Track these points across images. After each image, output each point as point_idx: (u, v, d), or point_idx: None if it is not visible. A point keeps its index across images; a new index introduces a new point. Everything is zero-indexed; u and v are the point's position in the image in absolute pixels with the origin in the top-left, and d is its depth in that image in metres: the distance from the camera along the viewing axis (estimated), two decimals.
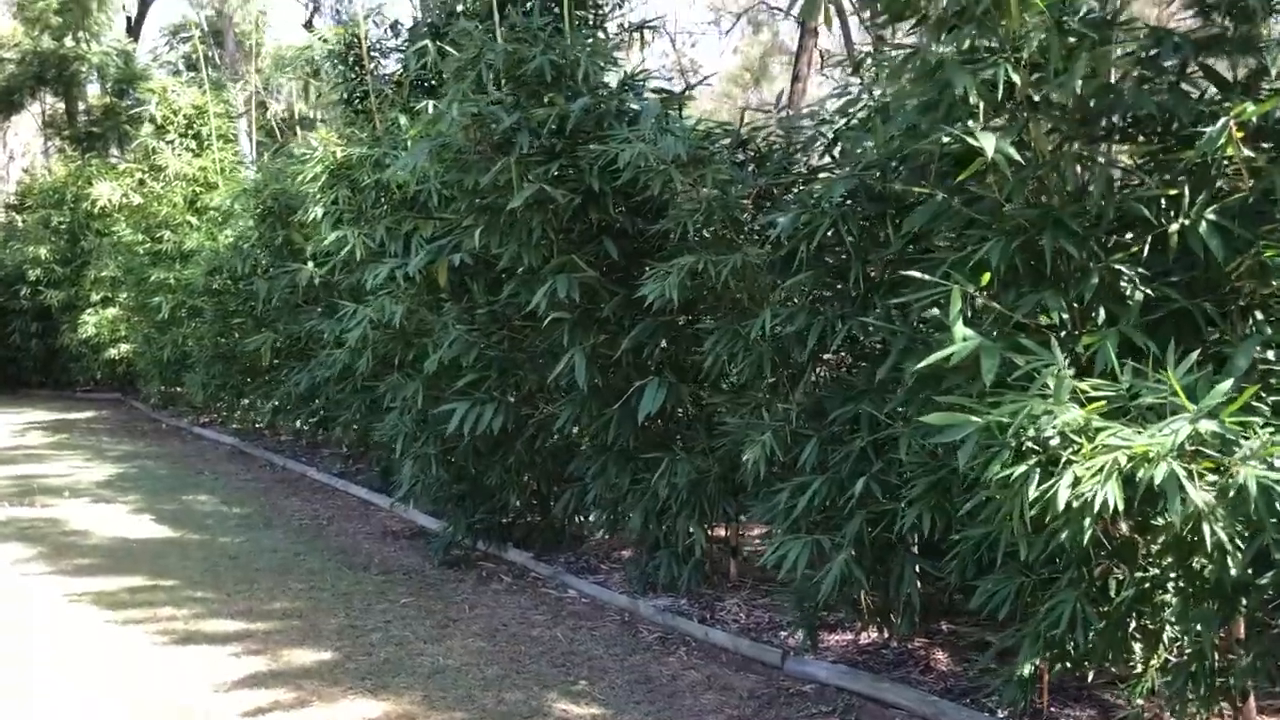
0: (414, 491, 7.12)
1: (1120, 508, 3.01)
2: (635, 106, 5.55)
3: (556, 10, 7.12)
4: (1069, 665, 3.96)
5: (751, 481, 5.16)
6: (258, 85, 16.00)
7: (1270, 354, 3.49)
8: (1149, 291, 3.66)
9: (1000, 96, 3.64)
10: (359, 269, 7.13)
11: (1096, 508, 3.01)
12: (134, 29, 23.80)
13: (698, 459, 5.56)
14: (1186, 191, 3.57)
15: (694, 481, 5.44)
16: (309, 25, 23.36)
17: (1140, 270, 3.68)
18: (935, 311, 4.22)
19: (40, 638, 5.54)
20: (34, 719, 4.50)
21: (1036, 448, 3.41)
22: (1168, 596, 3.64)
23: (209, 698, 4.66)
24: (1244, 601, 3.48)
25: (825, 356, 4.98)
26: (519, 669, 4.99)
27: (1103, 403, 3.25)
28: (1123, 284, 3.77)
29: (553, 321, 5.57)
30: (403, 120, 7.45)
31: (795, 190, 5.25)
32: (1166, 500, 2.94)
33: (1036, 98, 3.76)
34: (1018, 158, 3.52)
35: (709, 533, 5.91)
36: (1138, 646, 3.82)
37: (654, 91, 5.95)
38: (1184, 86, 3.82)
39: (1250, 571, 3.32)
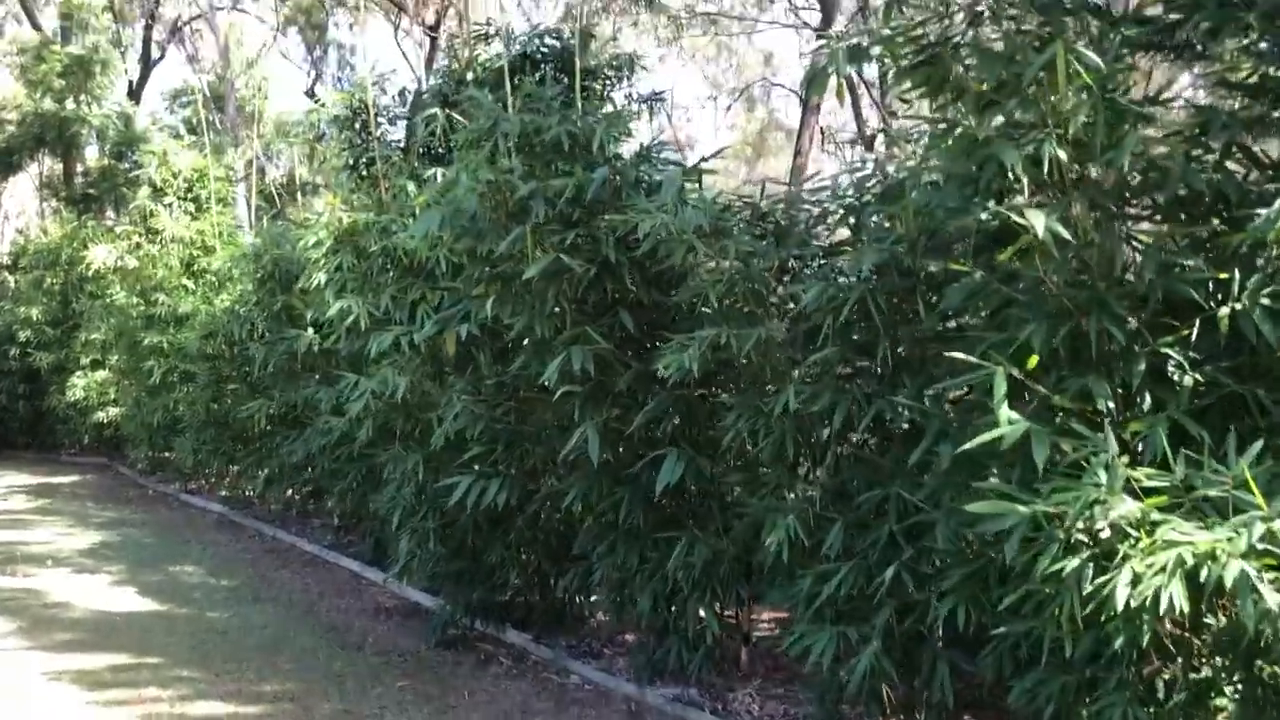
0: (410, 567, 6.87)
1: (1185, 610, 2.83)
2: (655, 177, 5.43)
3: (567, 81, 7.07)
4: None
5: (768, 565, 4.96)
6: (258, 151, 15.95)
7: None
8: (1198, 377, 3.52)
9: (1045, 173, 3.52)
10: (363, 337, 6.96)
11: (1162, 608, 2.82)
12: (135, 93, 23.88)
13: (711, 539, 5.35)
14: (1237, 274, 3.44)
15: (708, 563, 5.22)
16: (311, 93, 23.51)
17: (1190, 354, 3.54)
18: (960, 391, 4.11)
19: None
20: None
21: (1087, 540, 3.24)
22: (1224, 701, 3.44)
23: None
24: None
25: (848, 436, 4.81)
26: None
27: (1163, 497, 3.07)
28: (1170, 368, 3.63)
29: (564, 395, 5.39)
30: (410, 187, 7.33)
31: (817, 264, 5.14)
32: (1239, 601, 2.75)
33: (1079, 175, 3.65)
34: (1067, 236, 3.39)
35: (720, 617, 5.67)
36: None
37: (670, 163, 5.84)
38: (1229, 166, 3.73)
39: None
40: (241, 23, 23.55)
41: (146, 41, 24.38)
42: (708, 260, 4.83)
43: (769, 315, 4.98)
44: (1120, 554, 3.02)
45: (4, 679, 5.88)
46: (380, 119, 8.97)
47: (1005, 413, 3.39)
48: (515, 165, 5.48)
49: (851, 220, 5.13)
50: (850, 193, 5.07)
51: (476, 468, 5.96)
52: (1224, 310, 3.41)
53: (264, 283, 9.99)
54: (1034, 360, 3.45)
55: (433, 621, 7.04)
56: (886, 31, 5.78)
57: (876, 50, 5.48)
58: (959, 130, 3.77)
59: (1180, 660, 3.50)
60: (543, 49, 8.16)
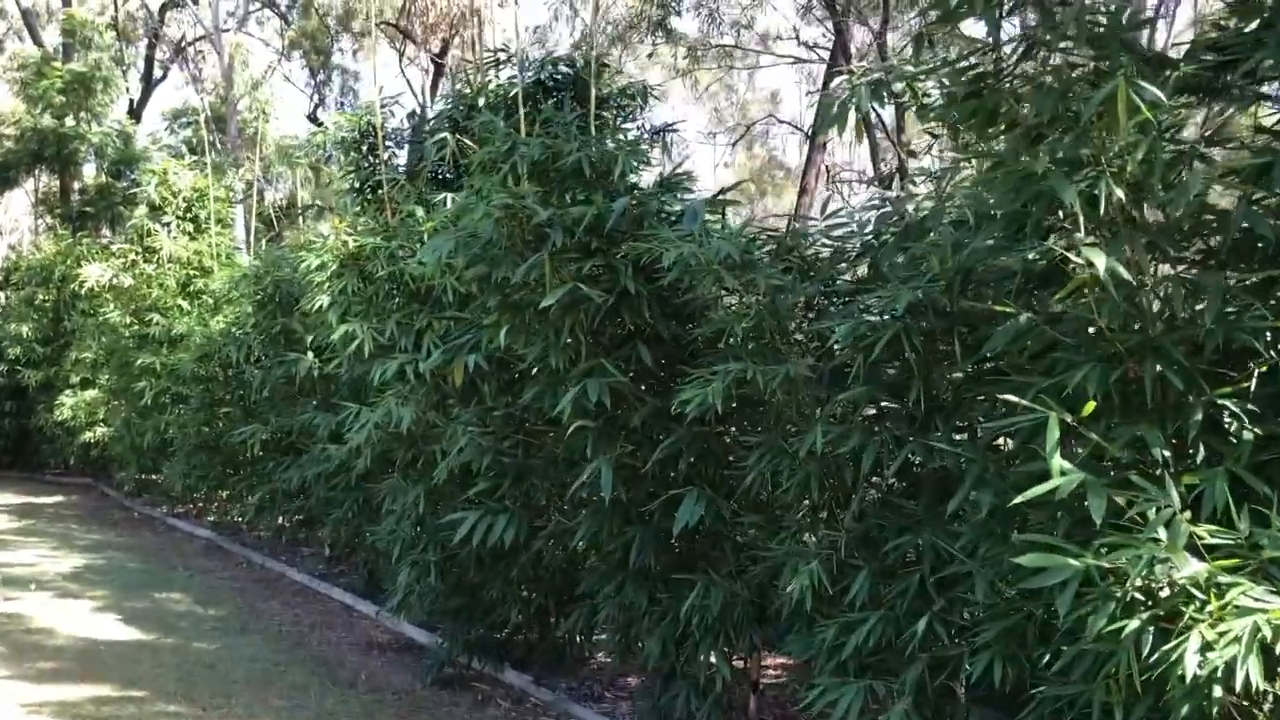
0: (409, 602, 6.64)
1: (1261, 686, 2.65)
2: (676, 208, 5.27)
3: (580, 108, 6.93)
4: None
5: (786, 612, 4.76)
6: (258, 173, 15.80)
7: None
8: (1258, 430, 3.35)
9: (1101, 212, 3.37)
10: (366, 363, 6.77)
11: (1237, 682, 2.64)
12: (135, 111, 23.76)
13: (725, 582, 5.15)
14: None
15: (723, 607, 5.02)
16: (313, 117, 23.41)
17: (1248, 406, 3.37)
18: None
19: None
20: None
21: (1144, 599, 3.06)
22: None
23: None
24: None
25: (874, 480, 4.63)
26: None
27: (1234, 559, 2.89)
28: (1225, 419, 3.46)
29: (577, 429, 5.20)
30: (419, 212, 7.17)
31: (844, 301, 4.97)
32: None
33: (1133, 215, 3.50)
34: (1128, 277, 3.23)
35: (730, 663, 5.46)
36: None
37: (689, 194, 5.69)
38: None
39: None
40: (247, 44, 23.48)
41: (149, 60, 24.31)
42: (735, 293, 4.66)
43: (794, 352, 4.82)
44: (1186, 618, 2.83)
45: None
46: (388, 143, 8.83)
47: (1058, 462, 3.21)
48: (529, 191, 5.32)
49: (868, 258, 5.01)
50: (869, 230, 4.95)
51: (483, 502, 5.76)
52: None
53: (264, 305, 9.79)
54: (1090, 406, 3.27)
55: (428, 659, 6.81)
56: (910, 68, 5.68)
57: (899, 86, 5.40)
58: (1007, 165, 3.60)
59: None
60: (555, 76, 8.05)
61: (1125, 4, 3.63)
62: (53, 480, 18.64)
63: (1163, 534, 3.02)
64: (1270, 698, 3.17)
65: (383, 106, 8.64)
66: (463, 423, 6.07)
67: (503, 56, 8.73)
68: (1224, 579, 2.87)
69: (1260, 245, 3.61)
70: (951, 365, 4.22)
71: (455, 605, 6.68)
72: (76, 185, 22.46)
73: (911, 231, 4.83)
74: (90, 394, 15.80)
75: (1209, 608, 2.82)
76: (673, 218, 5.27)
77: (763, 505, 5.44)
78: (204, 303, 13.03)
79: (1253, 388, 3.40)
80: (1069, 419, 3.33)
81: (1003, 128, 3.68)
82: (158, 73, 24.92)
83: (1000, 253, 3.86)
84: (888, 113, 10.54)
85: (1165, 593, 3.01)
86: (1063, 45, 3.57)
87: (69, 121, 20.35)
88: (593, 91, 6.63)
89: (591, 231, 5.16)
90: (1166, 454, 3.37)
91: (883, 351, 4.13)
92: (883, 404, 4.52)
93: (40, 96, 19.82)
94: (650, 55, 14.58)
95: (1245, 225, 3.40)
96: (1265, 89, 3.66)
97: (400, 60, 20.74)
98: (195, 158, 15.68)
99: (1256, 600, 2.77)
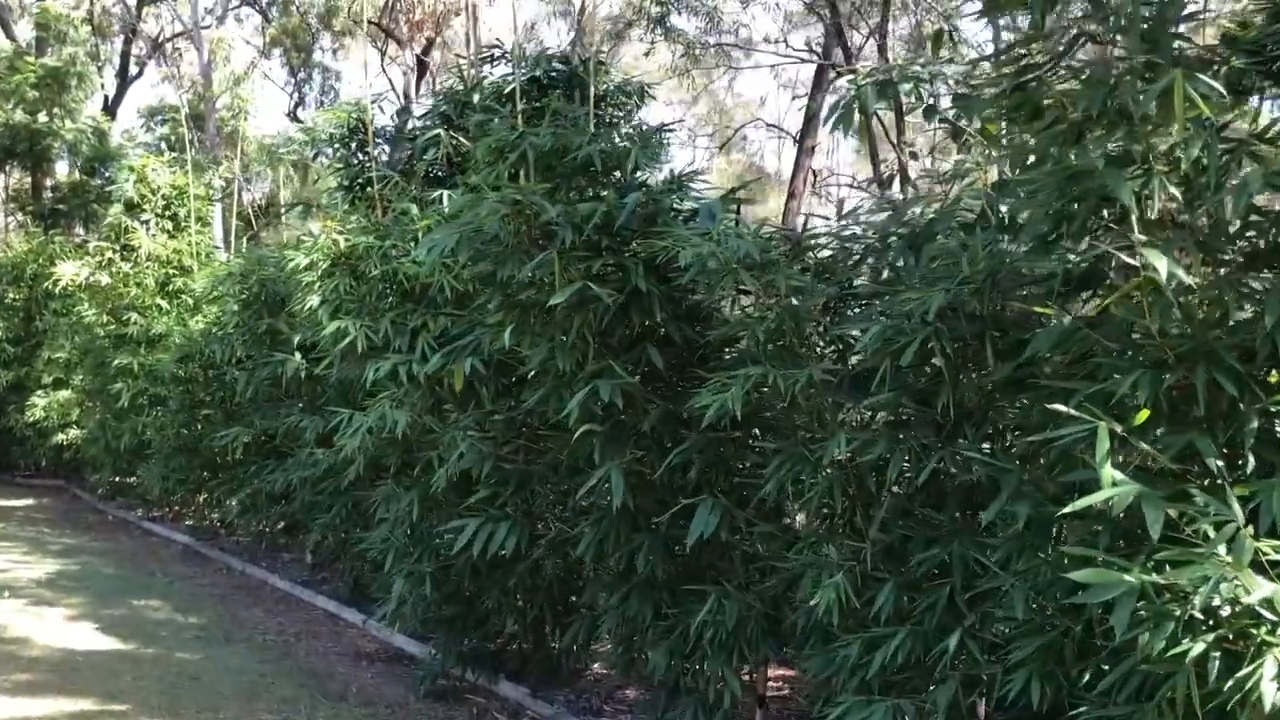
0: (402, 612, 6.42)
1: None
2: (690, 205, 5.09)
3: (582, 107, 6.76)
4: None
5: (801, 626, 4.60)
6: (237, 171, 15.51)
7: None
8: None
9: (1152, 212, 3.22)
10: (358, 362, 6.55)
11: None
12: (111, 108, 23.38)
13: (738, 595, 4.97)
14: None
15: (737, 621, 4.84)
16: (294, 115, 23.11)
17: None
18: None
19: None
20: None
21: (1204, 618, 2.91)
22: None
23: None
24: None
25: (895, 489, 4.47)
26: None
27: None
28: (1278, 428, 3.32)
29: (584, 433, 5.01)
30: (413, 210, 6.96)
31: (862, 304, 4.82)
32: None
33: (1186, 215, 3.36)
34: (1188, 279, 3.08)
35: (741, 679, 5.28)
36: None
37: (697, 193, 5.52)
38: None
39: None
40: (229, 37, 23.12)
41: (125, 56, 23.93)
42: (752, 295, 4.50)
43: (812, 356, 4.65)
44: (1258, 640, 2.68)
45: None
46: (377, 139, 8.61)
47: (1110, 472, 3.06)
48: (535, 186, 5.14)
49: (878, 261, 4.86)
50: (877, 233, 4.82)
51: (484, 510, 5.56)
52: None
53: (249, 304, 9.53)
54: (1144, 415, 3.12)
55: (421, 670, 6.61)
56: (918, 67, 5.53)
57: (907, 86, 5.25)
58: (1054, 163, 3.45)
59: None
60: (551, 73, 7.86)
61: None
62: (23, 483, 18.22)
63: (1222, 550, 2.88)
64: None
65: (373, 101, 8.43)
66: (461, 428, 5.87)
67: (496, 53, 8.54)
68: None
69: None
70: (981, 371, 4.07)
71: (449, 615, 6.48)
72: (49, 182, 22.07)
73: (922, 235, 4.70)
74: (63, 394, 15.45)
75: None
76: (684, 216, 5.09)
77: (774, 514, 5.29)
78: (183, 302, 12.74)
79: None
80: (1119, 428, 3.18)
81: (1046, 124, 3.52)
82: (134, 69, 24.55)
83: (1039, 254, 3.71)
84: (888, 115, 10.41)
85: (1227, 612, 2.86)
86: (1112, 38, 3.42)
87: (42, 117, 19.97)
88: (592, 87, 6.45)
89: (601, 229, 4.98)
90: (1220, 464, 3.23)
91: (912, 357, 3.98)
92: (904, 412, 4.37)
93: (12, 91, 19.44)
94: (647, 54, 14.39)
95: None
96: None
97: (382, 59, 20.48)
98: (174, 155, 15.37)
99: None
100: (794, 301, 4.42)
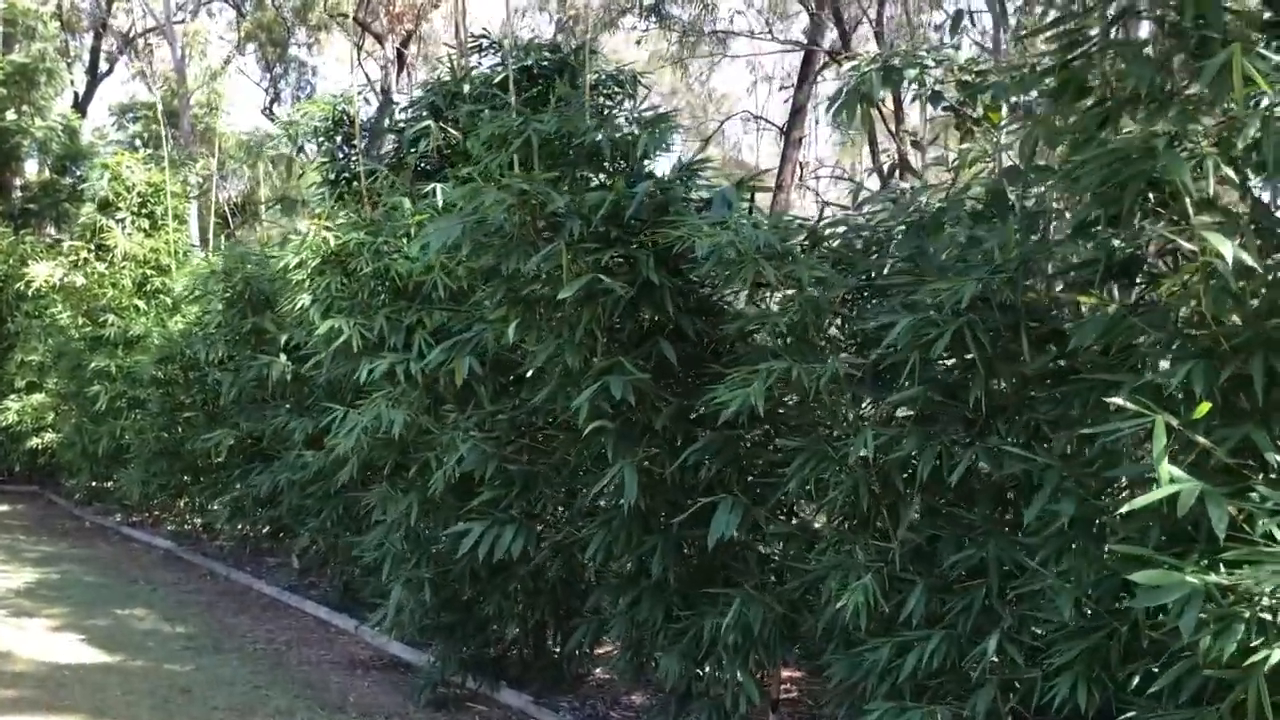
0: (400, 619, 6.21)
1: None
2: (703, 194, 4.91)
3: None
4: None
5: (822, 629, 4.44)
6: (214, 169, 15.20)
7: None
8: None
9: (1206, 193, 3.07)
10: (352, 361, 6.34)
11: None
12: (81, 106, 22.94)
13: (753, 597, 4.80)
14: None
15: (761, 625, 4.67)
16: (269, 111, 22.76)
17: None
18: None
19: None
20: None
21: (1272, 619, 2.77)
22: None
23: None
24: None
25: (932, 487, 4.31)
26: None
27: None
28: None
29: (594, 431, 4.83)
30: (405, 204, 6.75)
31: (882, 295, 4.66)
32: None
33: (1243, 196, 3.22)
34: (1254, 264, 2.93)
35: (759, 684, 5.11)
36: None
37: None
38: None
39: None
40: (206, 29, 22.73)
41: (95, 53, 23.48)
42: (773, 286, 4.33)
43: (831, 349, 4.49)
44: None
45: None
46: (364, 132, 8.39)
47: (1166, 468, 2.91)
48: (538, 175, 4.95)
49: (878, 252, 4.71)
50: (887, 223, 4.68)
51: (488, 513, 5.36)
52: None
53: (233, 303, 9.27)
54: (1205, 408, 2.97)
55: (420, 678, 6.41)
56: (923, 55, 5.37)
57: (912, 73, 5.09)
58: (1102, 143, 3.29)
59: None
60: (543, 62, 7.67)
61: None
62: None
63: None
64: None
65: (359, 92, 8.21)
66: (461, 428, 5.68)
67: (484, 43, 8.33)
68: None
69: None
70: (1015, 363, 3.91)
71: (448, 621, 6.29)
72: (18, 181, 21.62)
73: (930, 224, 4.55)
74: (37, 398, 15.10)
75: None
76: (697, 205, 4.92)
77: (788, 514, 5.14)
78: (162, 303, 12.45)
79: None
80: (1174, 422, 3.03)
81: (1091, 104, 3.37)
82: (104, 66, 24.11)
83: (1078, 240, 3.57)
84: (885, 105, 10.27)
85: None
86: (1161, 12, 3.27)
87: (10, 115, 19.55)
88: (587, 75, 6.26)
89: (609, 219, 4.80)
90: (1279, 459, 3.09)
91: (942, 349, 3.82)
92: (932, 407, 4.21)
93: None
94: (639, 42, 14.21)
95: None
96: None
97: (359, 53, 20.18)
98: (150, 151, 15.05)
99: None
100: (814, 293, 4.25)
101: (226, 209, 18.43)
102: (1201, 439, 3.05)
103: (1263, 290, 3.14)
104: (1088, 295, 3.45)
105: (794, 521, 5.07)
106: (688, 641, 5.00)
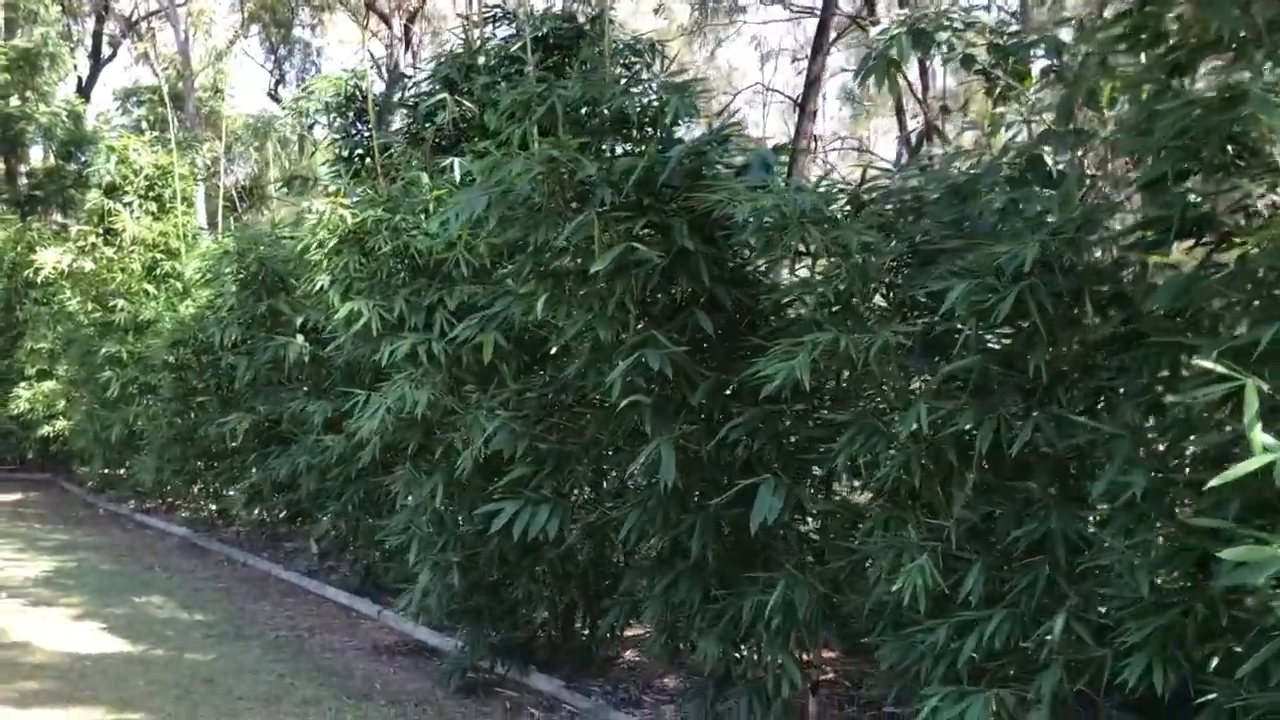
0: (428, 604, 6.06)
1: None
2: (737, 160, 4.71)
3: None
4: None
5: (869, 610, 4.27)
6: (221, 151, 15.02)
7: None
8: None
9: None
10: (372, 343, 6.17)
11: None
12: (84, 90, 22.75)
13: (795, 577, 4.63)
14: None
15: (805, 606, 4.50)
16: (274, 94, 22.55)
17: None
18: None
19: None
20: None
21: None
22: None
23: None
24: None
25: (990, 461, 4.13)
26: None
27: None
28: None
29: (629, 406, 4.65)
30: (424, 179, 6.55)
31: (926, 260, 4.46)
32: None
33: None
34: None
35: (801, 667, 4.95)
36: None
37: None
38: None
39: None
40: (211, 8, 22.48)
41: (97, 36, 23.27)
42: (817, 253, 4.15)
43: (877, 318, 4.30)
44: None
45: None
46: (377, 107, 8.19)
47: (1261, 437, 2.73)
48: (565, 141, 4.75)
49: (914, 217, 4.51)
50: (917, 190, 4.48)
51: (520, 493, 5.19)
52: None
53: (246, 285, 9.10)
54: None
55: (448, 664, 6.27)
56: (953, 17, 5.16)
57: (944, 36, 4.89)
58: (1171, 95, 3.10)
59: None
60: (559, 30, 7.47)
61: None
62: (7, 476, 17.75)
63: None
64: None
65: (371, 67, 8.00)
66: (487, 407, 5.51)
67: (499, 14, 8.12)
68: None
69: None
70: (1077, 328, 3.73)
71: (475, 605, 6.13)
72: (24, 168, 21.49)
73: (965, 188, 4.36)
74: (48, 385, 15.01)
75: None
76: (733, 171, 4.72)
77: (829, 491, 4.97)
78: (172, 286, 12.30)
79: None
80: (1265, 386, 2.84)
81: (1164, 51, 3.17)
82: (106, 50, 23.88)
83: (1150, 197, 3.37)
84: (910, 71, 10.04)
85: None
86: None
87: (14, 101, 19.40)
88: (608, 41, 6.05)
89: (641, 187, 4.60)
90: None
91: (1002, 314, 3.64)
92: (988, 378, 4.02)
93: None
94: (657, 10, 13.97)
95: None
96: None
97: (364, 33, 19.95)
98: (156, 134, 14.86)
99: None
100: (860, 259, 4.06)
101: (234, 192, 18.23)
102: None
103: None
104: (1159, 255, 3.25)
105: (835, 499, 4.88)
106: (726, 623, 4.84)
